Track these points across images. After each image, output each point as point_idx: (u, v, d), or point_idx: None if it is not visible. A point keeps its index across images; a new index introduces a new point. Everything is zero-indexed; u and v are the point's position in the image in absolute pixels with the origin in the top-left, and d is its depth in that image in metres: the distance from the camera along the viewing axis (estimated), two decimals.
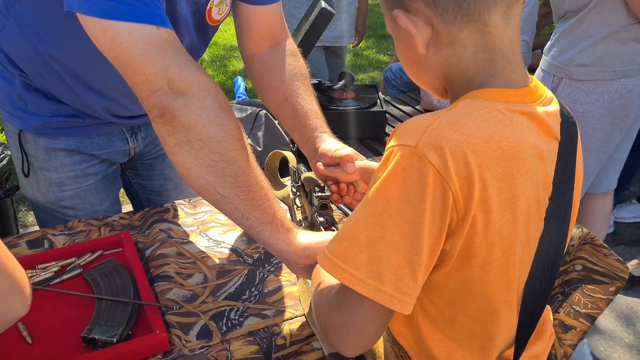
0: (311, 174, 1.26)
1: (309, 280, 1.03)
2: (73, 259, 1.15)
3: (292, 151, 1.34)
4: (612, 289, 1.22)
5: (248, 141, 2.17)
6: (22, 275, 0.69)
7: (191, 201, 1.38)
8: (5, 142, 2.09)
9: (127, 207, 1.73)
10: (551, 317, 0.94)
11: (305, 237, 0.96)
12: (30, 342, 0.95)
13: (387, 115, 2.55)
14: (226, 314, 1.01)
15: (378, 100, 2.50)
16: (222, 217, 1.30)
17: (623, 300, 2.34)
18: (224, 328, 0.98)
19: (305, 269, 0.95)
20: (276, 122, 2.21)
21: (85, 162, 1.33)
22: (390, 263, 0.66)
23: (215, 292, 1.07)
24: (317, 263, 0.92)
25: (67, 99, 1.22)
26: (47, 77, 1.18)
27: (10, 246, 1.21)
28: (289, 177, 1.34)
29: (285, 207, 1.29)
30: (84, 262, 1.14)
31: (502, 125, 0.68)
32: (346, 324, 0.71)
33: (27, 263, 1.12)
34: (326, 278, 0.83)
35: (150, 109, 0.89)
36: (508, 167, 0.68)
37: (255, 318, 1.00)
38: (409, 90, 3.07)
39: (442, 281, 0.73)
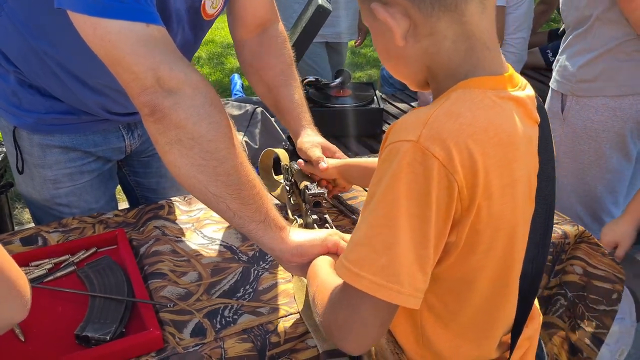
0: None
1: (303, 278, 1.03)
2: (67, 257, 1.14)
3: (285, 149, 1.33)
4: (614, 296, 1.22)
5: (244, 139, 2.17)
6: (21, 280, 0.69)
7: (186, 198, 1.37)
8: (0, 139, 2.08)
9: (123, 205, 1.72)
10: (536, 301, 0.95)
11: (298, 235, 0.96)
12: (23, 340, 0.94)
13: (384, 112, 2.54)
14: (220, 312, 1.00)
15: (375, 98, 2.49)
16: (217, 215, 1.29)
17: None
18: (218, 326, 0.97)
19: (298, 267, 0.95)
20: (273, 119, 2.20)
21: (80, 159, 1.32)
22: (405, 262, 0.66)
23: (210, 289, 1.06)
24: (311, 261, 0.93)
25: (61, 96, 1.21)
26: (41, 73, 1.18)
27: (4, 243, 1.20)
28: (282, 175, 1.33)
29: (278, 204, 1.29)
30: (78, 260, 1.14)
31: (495, 112, 0.69)
32: (350, 322, 0.71)
33: (21, 260, 1.11)
34: (323, 277, 0.82)
35: (141, 107, 0.88)
36: (506, 152, 0.69)
37: (249, 315, 1.00)
38: (405, 88, 3.06)
39: (446, 273, 0.74)
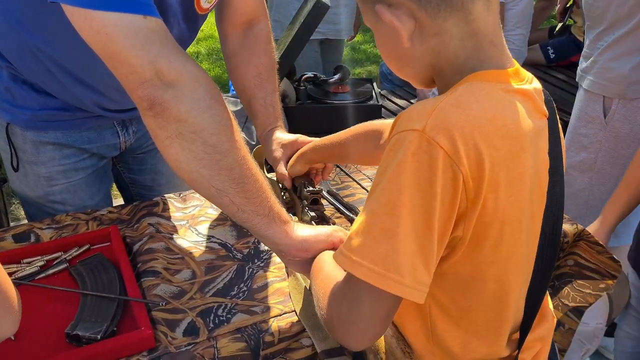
0: None
1: (299, 276, 1.01)
2: (59, 254, 1.13)
3: None
4: (602, 285, 1.21)
5: (242, 135, 2.15)
6: (13, 294, 0.68)
7: (181, 195, 1.36)
8: None
9: (119, 201, 1.71)
10: (550, 302, 0.93)
11: (303, 231, 0.94)
12: (13, 339, 0.93)
13: (382, 109, 2.52)
14: (214, 311, 0.99)
15: (374, 94, 2.47)
16: (212, 212, 1.29)
17: None
18: (211, 325, 0.96)
19: (301, 263, 0.93)
20: None
21: (74, 156, 1.31)
22: (406, 253, 0.64)
23: (204, 288, 1.05)
24: (314, 257, 0.91)
25: (55, 92, 1.20)
26: (34, 69, 1.16)
27: None
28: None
29: None
30: (70, 257, 1.12)
31: (503, 105, 0.69)
32: (352, 315, 0.69)
33: (12, 257, 1.10)
34: (327, 272, 0.81)
35: (139, 102, 0.86)
36: (513, 145, 0.68)
37: (243, 315, 0.99)
38: (404, 85, 3.05)
39: (453, 269, 0.73)
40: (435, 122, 0.64)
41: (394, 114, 2.69)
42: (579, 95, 1.86)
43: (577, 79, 1.88)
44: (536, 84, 0.77)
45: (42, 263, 1.10)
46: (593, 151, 1.79)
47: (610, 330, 1.54)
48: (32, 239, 1.20)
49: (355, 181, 1.42)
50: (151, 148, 1.46)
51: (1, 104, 1.22)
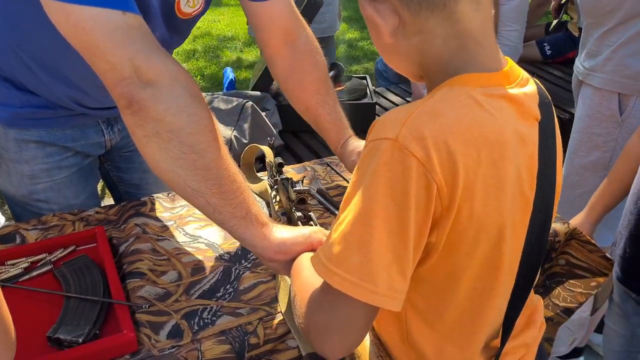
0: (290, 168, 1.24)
1: (287, 277, 1.00)
2: (44, 255, 1.12)
3: (270, 144, 1.30)
4: (593, 283, 1.21)
5: (234, 133, 2.14)
6: (11, 328, 0.67)
7: (170, 195, 1.34)
8: None
9: (109, 201, 1.70)
10: (542, 307, 0.92)
11: (281, 233, 0.93)
12: None
13: (377, 106, 2.51)
14: (199, 313, 0.98)
15: (368, 92, 2.46)
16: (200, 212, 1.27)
17: None
18: (196, 327, 0.95)
19: (281, 265, 0.92)
20: (263, 113, 2.17)
21: (58, 154, 1.29)
22: (381, 262, 0.64)
23: (189, 289, 1.04)
24: (294, 259, 0.90)
25: (36, 89, 1.18)
26: (15, 66, 1.15)
27: None
28: (267, 172, 1.31)
29: (262, 201, 1.26)
30: (55, 259, 1.11)
31: (481, 111, 0.67)
32: (330, 325, 0.69)
33: None
34: (305, 277, 0.80)
35: (117, 99, 0.85)
36: (491, 152, 0.67)
37: (228, 317, 0.97)
38: (400, 82, 3.03)
39: (429, 273, 0.72)
40: (408, 130, 0.63)
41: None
42: (586, 93, 1.81)
43: (580, 77, 1.84)
44: (529, 87, 0.74)
45: (26, 265, 1.09)
46: (608, 150, 1.76)
47: (602, 325, 1.52)
48: (18, 240, 1.18)
49: (346, 180, 1.41)
50: None
51: None
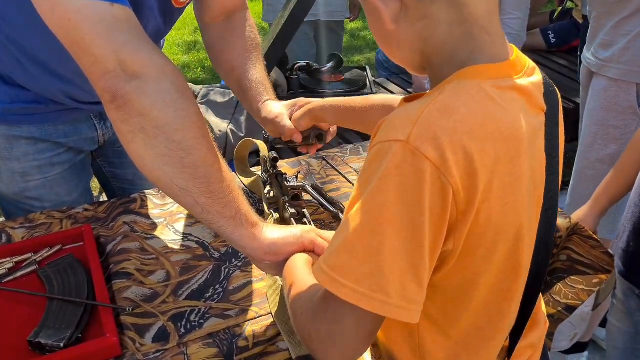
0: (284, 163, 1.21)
1: (278, 278, 0.97)
2: (30, 255, 1.09)
3: (265, 138, 1.27)
4: (595, 280, 1.17)
5: (230, 127, 2.10)
6: None
7: (161, 191, 1.31)
8: None
9: (103, 197, 1.67)
10: (543, 306, 0.89)
11: (272, 233, 0.89)
12: None
13: None
14: (186, 316, 0.95)
15: (368, 83, 2.42)
16: None
17: None
18: (182, 330, 0.92)
19: (273, 266, 0.89)
20: None
21: (50, 150, 1.26)
22: (394, 271, 0.59)
23: (177, 290, 1.01)
24: (285, 260, 0.86)
25: (26, 84, 1.15)
26: (4, 60, 1.11)
27: None
28: (260, 167, 1.27)
29: (253, 197, 1.23)
30: (41, 258, 1.08)
31: (494, 105, 0.63)
32: (334, 335, 0.64)
33: None
34: (301, 281, 0.76)
35: (101, 94, 0.82)
36: (508, 148, 0.63)
37: (216, 319, 0.94)
38: (401, 73, 2.98)
39: (443, 280, 0.68)
40: (420, 130, 0.59)
41: None
42: (600, 84, 1.76)
43: (593, 69, 1.78)
44: (535, 76, 0.70)
45: (10, 265, 1.06)
46: (625, 142, 1.72)
47: (606, 320, 1.49)
48: (4, 238, 1.15)
49: (342, 175, 1.37)
50: None
51: None
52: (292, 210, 1.08)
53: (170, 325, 0.93)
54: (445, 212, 0.60)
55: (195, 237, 1.15)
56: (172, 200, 1.26)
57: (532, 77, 0.70)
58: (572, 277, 1.19)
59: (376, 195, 0.60)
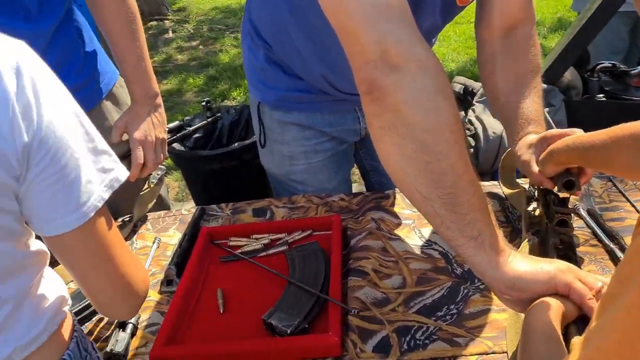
0: None
1: (522, 314, 0.83)
2: (284, 235, 1.15)
3: None
4: None
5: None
6: (141, 279, 0.69)
7: None
8: None
9: (361, 188, 1.70)
10: None
11: (519, 264, 0.75)
12: (222, 312, 0.97)
13: None
14: (412, 331, 0.88)
15: None
16: None
17: None
18: (405, 346, 0.85)
19: (514, 302, 0.76)
20: (546, 110, 1.91)
21: (315, 138, 1.32)
22: None
23: (409, 301, 0.94)
24: (532, 299, 0.73)
25: (301, 73, 1.22)
26: (287, 49, 1.19)
27: (239, 211, 1.28)
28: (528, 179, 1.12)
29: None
30: (292, 240, 1.13)
31: None
32: None
33: (244, 231, 1.17)
34: (543, 343, 0.63)
35: (359, 84, 0.79)
36: None
37: (443, 343, 0.85)
38: None
39: None
40: None
41: None
42: None
43: None
44: None
45: (267, 241, 1.14)
46: None
47: None
48: (268, 215, 1.25)
49: (630, 202, 1.13)
50: None
51: (255, 84, 1.29)
52: (556, 239, 0.91)
53: (394, 338, 0.87)
54: None
55: (440, 246, 1.07)
56: None
57: None
58: None
59: None
